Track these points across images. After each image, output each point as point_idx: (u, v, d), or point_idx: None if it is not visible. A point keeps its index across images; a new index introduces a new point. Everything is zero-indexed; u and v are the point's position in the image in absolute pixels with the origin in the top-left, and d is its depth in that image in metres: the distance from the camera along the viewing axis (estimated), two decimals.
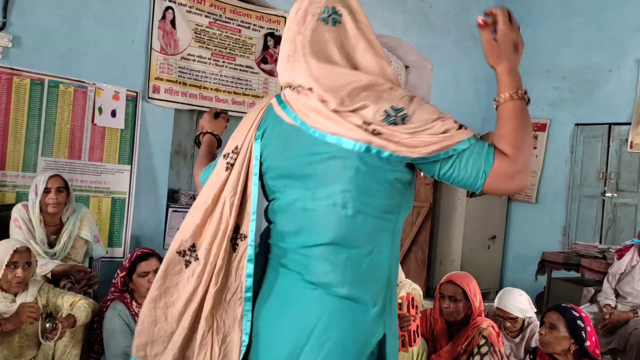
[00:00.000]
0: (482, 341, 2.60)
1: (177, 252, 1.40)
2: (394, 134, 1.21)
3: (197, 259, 1.38)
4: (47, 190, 3.18)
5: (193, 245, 1.39)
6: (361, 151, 1.23)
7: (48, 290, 2.77)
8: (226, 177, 1.39)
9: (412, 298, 2.56)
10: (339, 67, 1.30)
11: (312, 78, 1.29)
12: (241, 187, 1.39)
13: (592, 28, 5.59)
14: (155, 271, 2.71)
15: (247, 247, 1.38)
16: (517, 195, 5.99)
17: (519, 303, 2.94)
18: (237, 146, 1.41)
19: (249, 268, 1.37)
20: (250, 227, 1.39)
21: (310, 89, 1.29)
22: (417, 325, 2.53)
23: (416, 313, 2.53)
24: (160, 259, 2.84)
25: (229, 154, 1.41)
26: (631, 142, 5.23)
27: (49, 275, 3.09)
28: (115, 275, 2.91)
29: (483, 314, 2.82)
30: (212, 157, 1.70)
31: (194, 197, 4.62)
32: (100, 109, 3.94)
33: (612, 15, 5.41)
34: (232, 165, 1.40)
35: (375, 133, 1.21)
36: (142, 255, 2.83)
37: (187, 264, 1.39)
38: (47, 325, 2.49)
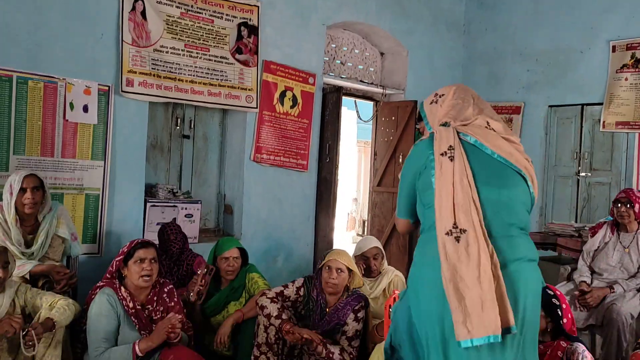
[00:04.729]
0: None
1: (446, 234, 1.77)
2: None
3: (465, 230, 1.76)
4: (22, 190, 3.12)
5: (455, 224, 1.77)
6: None
7: (25, 291, 2.73)
8: (453, 166, 1.84)
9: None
10: None
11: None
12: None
13: (563, 10, 5.64)
14: (152, 260, 2.82)
15: None
16: None
17: None
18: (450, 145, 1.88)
19: None
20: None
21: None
22: None
23: None
24: (158, 251, 2.92)
25: (445, 152, 1.87)
26: (603, 121, 5.31)
27: (27, 276, 3.04)
28: (112, 263, 2.94)
29: None
30: None
31: (172, 191, 4.58)
32: (71, 105, 3.86)
33: None
34: (454, 157, 1.86)
35: None
36: (142, 242, 2.92)
37: (458, 239, 1.76)
38: (25, 338, 2.44)
